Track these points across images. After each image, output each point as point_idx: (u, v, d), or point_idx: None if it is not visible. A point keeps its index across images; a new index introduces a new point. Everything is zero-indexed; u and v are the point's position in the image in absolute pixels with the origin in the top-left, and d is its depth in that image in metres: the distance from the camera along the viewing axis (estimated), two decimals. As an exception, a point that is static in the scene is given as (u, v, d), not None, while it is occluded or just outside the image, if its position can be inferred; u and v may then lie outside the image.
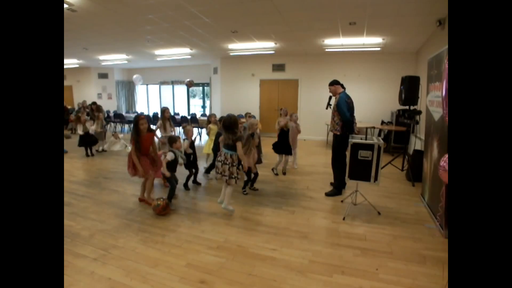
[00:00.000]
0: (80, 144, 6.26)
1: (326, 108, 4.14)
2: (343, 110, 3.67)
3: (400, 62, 7.68)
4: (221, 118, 4.58)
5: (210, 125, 5.38)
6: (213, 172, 4.17)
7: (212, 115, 5.54)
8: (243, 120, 8.40)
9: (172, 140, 3.50)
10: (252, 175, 4.03)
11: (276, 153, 4.90)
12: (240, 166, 3.20)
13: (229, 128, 3.08)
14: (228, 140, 3.08)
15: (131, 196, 3.84)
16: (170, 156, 3.35)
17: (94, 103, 8.34)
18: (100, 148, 6.78)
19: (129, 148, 6.36)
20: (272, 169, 5.02)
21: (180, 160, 3.54)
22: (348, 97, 3.79)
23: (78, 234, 2.78)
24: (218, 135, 5.19)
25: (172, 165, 3.39)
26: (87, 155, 6.31)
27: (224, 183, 3.17)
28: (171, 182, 3.45)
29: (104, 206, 3.50)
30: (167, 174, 3.31)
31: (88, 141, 6.30)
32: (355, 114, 3.93)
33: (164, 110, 4.97)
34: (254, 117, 6.41)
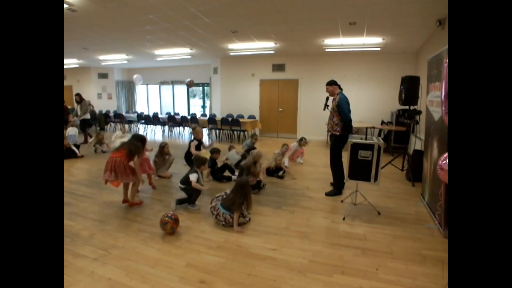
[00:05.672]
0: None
1: (324, 109, 4.14)
2: (345, 111, 3.68)
3: (400, 62, 7.68)
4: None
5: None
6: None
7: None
8: (242, 120, 8.45)
9: (201, 162, 3.53)
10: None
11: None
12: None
13: (241, 190, 2.93)
14: (231, 201, 2.90)
15: (131, 196, 3.83)
16: (194, 177, 3.35)
17: (77, 94, 7.65)
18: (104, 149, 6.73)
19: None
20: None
21: (201, 183, 3.50)
22: (346, 98, 3.81)
23: (78, 234, 2.78)
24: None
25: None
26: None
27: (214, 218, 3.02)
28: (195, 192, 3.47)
29: (104, 206, 3.50)
30: (199, 187, 3.38)
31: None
32: (353, 114, 3.93)
33: (164, 145, 4.66)
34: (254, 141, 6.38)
